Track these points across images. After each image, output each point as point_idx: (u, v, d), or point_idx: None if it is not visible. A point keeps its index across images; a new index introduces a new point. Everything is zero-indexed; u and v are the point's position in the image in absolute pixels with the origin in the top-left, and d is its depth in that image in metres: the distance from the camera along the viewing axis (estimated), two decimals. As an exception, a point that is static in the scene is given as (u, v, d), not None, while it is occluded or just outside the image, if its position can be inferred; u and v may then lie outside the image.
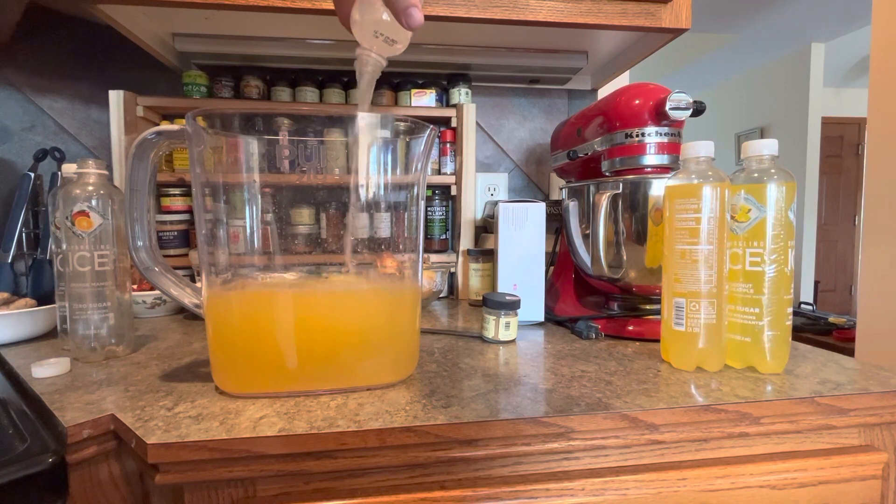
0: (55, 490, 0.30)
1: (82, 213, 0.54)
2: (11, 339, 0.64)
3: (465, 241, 0.98)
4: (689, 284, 0.51)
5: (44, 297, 0.74)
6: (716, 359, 0.51)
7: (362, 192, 0.46)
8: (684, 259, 0.51)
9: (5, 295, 0.69)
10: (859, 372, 0.51)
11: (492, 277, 0.90)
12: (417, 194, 0.50)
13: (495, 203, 0.86)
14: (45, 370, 0.50)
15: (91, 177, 0.56)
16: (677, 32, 0.79)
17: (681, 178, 0.52)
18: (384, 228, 0.48)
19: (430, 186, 1.02)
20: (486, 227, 1.06)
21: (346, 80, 0.98)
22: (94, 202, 0.55)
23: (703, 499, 0.43)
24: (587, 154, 0.75)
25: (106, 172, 0.58)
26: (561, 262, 0.85)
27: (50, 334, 0.69)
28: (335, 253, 0.48)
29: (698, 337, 0.51)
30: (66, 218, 0.54)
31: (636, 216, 0.64)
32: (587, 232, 0.69)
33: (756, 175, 0.50)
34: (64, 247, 0.55)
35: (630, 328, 0.66)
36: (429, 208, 1.01)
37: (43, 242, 0.86)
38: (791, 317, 0.50)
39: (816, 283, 3.64)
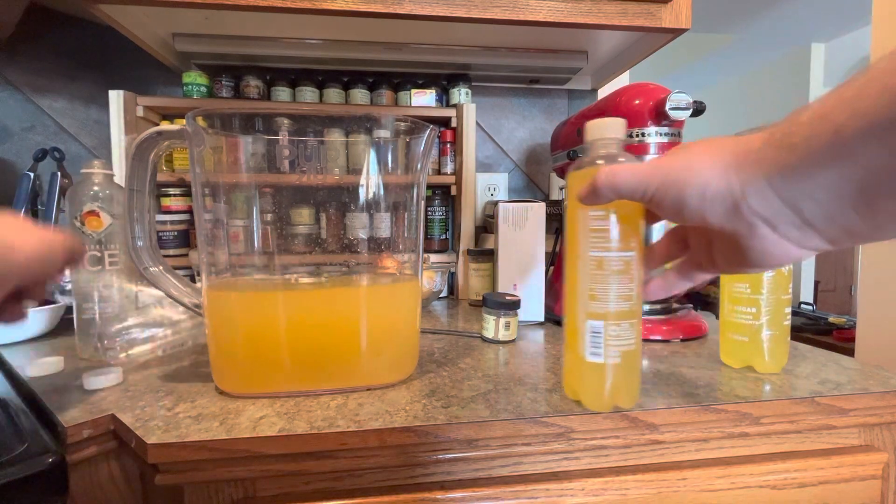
0: (55, 490, 0.30)
1: (92, 213, 0.55)
2: (12, 339, 0.64)
3: (465, 241, 0.98)
4: (609, 302, 0.38)
5: (44, 297, 0.74)
6: (633, 392, 0.41)
7: (362, 191, 0.46)
8: (602, 270, 0.38)
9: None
10: (859, 372, 0.51)
11: (492, 277, 0.90)
12: (417, 194, 0.50)
13: (495, 203, 0.86)
14: (38, 369, 0.51)
15: (98, 176, 0.57)
16: (677, 32, 0.79)
17: (587, 164, 0.39)
18: (384, 228, 0.48)
19: (430, 186, 1.02)
20: (486, 227, 1.06)
21: (346, 79, 0.98)
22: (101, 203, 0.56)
23: (703, 499, 0.43)
24: (587, 154, 0.75)
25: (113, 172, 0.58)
26: (561, 262, 0.85)
27: (50, 334, 0.69)
28: (335, 253, 0.48)
29: (619, 368, 0.39)
30: (76, 218, 0.54)
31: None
32: (587, 232, 0.69)
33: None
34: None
35: (630, 328, 0.66)
36: (429, 208, 1.01)
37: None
38: (790, 316, 0.50)
39: (816, 283, 3.64)
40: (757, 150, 0.25)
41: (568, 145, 0.82)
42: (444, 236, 1.03)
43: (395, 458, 0.39)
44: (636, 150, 0.65)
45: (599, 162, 0.38)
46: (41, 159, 0.89)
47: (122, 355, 0.51)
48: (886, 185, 0.21)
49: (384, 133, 0.47)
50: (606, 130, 0.39)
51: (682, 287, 0.37)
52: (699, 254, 0.34)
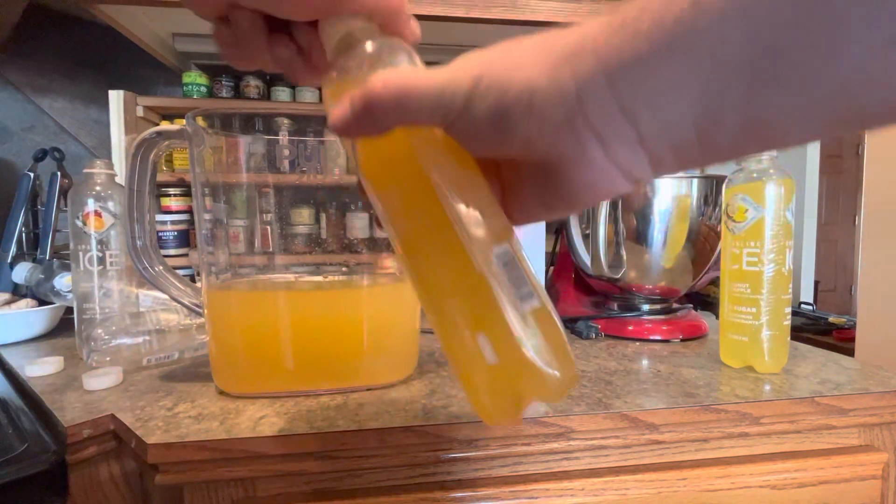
0: (55, 490, 0.30)
1: (94, 212, 0.55)
2: (13, 340, 0.64)
3: (465, 241, 0.98)
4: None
5: (44, 297, 0.74)
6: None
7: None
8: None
9: (6, 296, 0.69)
10: (859, 372, 0.51)
11: (492, 277, 0.90)
12: (417, 194, 0.50)
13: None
14: (38, 369, 0.51)
15: (101, 176, 0.57)
16: (677, 32, 0.79)
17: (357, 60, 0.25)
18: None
19: (429, 186, 1.02)
20: (486, 227, 1.06)
21: (346, 80, 0.98)
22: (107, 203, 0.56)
23: (703, 499, 0.43)
24: (587, 154, 0.74)
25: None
26: (561, 262, 0.84)
27: (50, 334, 0.69)
28: (335, 253, 0.48)
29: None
30: (78, 217, 0.54)
31: (636, 216, 0.64)
32: (587, 232, 0.69)
33: (754, 175, 0.50)
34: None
35: (630, 328, 0.66)
36: (429, 208, 1.01)
37: (42, 242, 0.86)
38: (790, 316, 0.50)
39: (816, 283, 3.64)
40: (594, 39, 0.19)
41: (568, 145, 0.81)
42: (444, 236, 1.03)
43: (395, 458, 0.39)
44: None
45: (367, 49, 0.23)
46: (41, 159, 0.89)
47: (107, 358, 0.50)
48: (734, 91, 0.17)
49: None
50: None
51: None
52: (512, 195, 0.25)
